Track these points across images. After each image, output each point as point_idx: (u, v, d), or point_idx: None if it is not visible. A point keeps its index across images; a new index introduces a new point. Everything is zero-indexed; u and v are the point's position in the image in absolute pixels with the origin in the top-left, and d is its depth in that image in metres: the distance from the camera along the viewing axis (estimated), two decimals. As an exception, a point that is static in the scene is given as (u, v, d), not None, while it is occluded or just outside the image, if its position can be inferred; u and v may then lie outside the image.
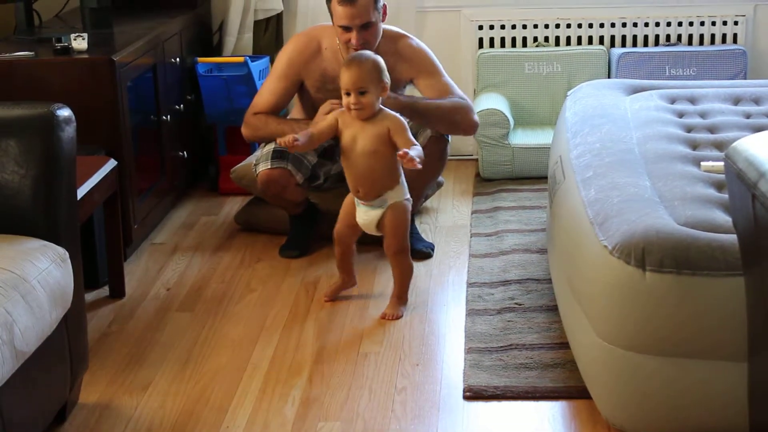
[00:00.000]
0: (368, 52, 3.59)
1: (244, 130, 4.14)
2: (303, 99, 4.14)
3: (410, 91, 4.16)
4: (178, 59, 4.68)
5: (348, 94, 3.49)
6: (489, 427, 2.96)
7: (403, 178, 3.59)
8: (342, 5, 3.83)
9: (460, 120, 4.02)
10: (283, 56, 4.07)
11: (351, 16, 3.83)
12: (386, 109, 3.56)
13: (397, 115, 3.56)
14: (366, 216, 3.58)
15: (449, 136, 4.08)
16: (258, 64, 4.86)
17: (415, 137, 3.97)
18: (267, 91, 4.09)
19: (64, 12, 4.94)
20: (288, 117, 4.29)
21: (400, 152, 3.39)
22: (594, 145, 3.48)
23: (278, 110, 4.11)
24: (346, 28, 3.86)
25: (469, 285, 3.84)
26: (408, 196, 3.60)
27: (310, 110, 4.11)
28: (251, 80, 4.76)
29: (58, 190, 2.86)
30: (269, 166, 3.99)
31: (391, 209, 3.56)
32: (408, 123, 4.03)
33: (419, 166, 3.39)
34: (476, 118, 4.09)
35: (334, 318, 3.61)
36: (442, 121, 4.00)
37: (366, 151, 3.51)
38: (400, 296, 3.64)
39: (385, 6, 3.94)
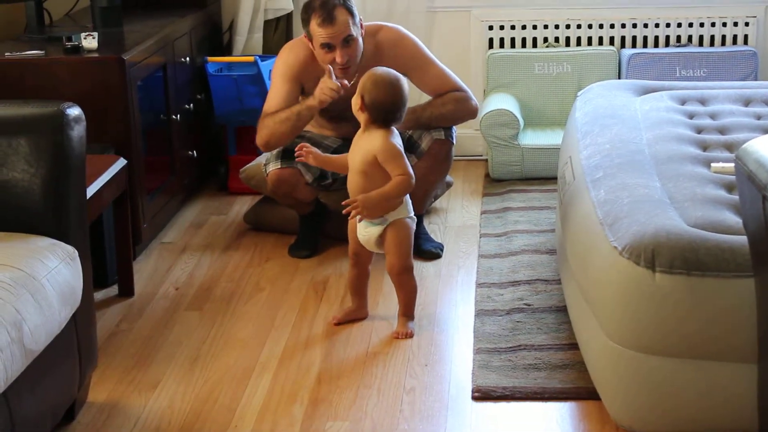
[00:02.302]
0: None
1: (261, 137, 3.98)
2: None
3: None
4: (188, 59, 4.69)
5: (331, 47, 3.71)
6: (497, 428, 2.96)
7: (406, 198, 3.46)
8: (322, 26, 3.82)
9: (462, 115, 4.09)
10: (281, 62, 4.04)
11: (331, 35, 3.83)
12: (384, 129, 3.42)
13: (387, 141, 3.40)
14: (365, 232, 3.46)
15: (454, 139, 4.09)
16: (268, 63, 4.86)
17: (419, 140, 3.99)
18: (275, 96, 4.03)
19: (75, 11, 4.94)
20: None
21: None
22: (604, 145, 3.47)
23: None
24: (329, 47, 3.85)
25: (478, 285, 3.84)
26: (412, 214, 3.48)
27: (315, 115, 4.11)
28: (261, 80, 4.76)
29: (68, 189, 2.86)
30: (279, 166, 4.00)
31: (392, 227, 3.43)
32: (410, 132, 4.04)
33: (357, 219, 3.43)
34: (475, 103, 4.11)
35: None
36: (445, 122, 4.06)
37: (357, 171, 3.42)
38: (408, 314, 3.53)
39: (361, 20, 3.94)
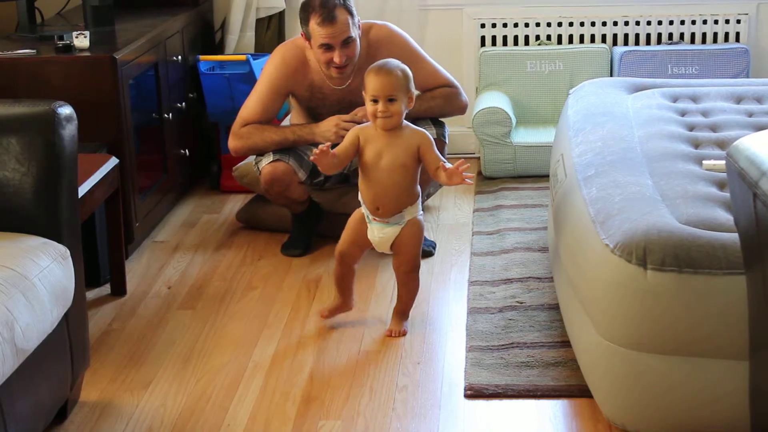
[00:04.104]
0: (395, 61, 3.44)
1: (233, 143, 4.05)
2: (299, 105, 4.15)
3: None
4: (180, 57, 4.68)
5: (375, 101, 3.34)
6: (490, 426, 2.96)
7: (420, 195, 3.48)
8: (322, 25, 3.83)
9: (450, 109, 4.13)
10: (271, 68, 4.05)
11: (332, 35, 3.83)
12: (410, 124, 3.44)
13: (424, 131, 3.45)
14: (381, 234, 3.43)
15: (447, 138, 4.10)
16: (260, 62, 4.85)
17: None
18: (255, 102, 4.05)
19: (66, 10, 4.94)
20: (287, 122, 4.31)
21: (454, 167, 3.27)
22: (596, 143, 3.48)
23: (267, 122, 4.08)
24: (328, 47, 3.86)
25: (471, 283, 3.84)
26: (422, 212, 3.49)
27: (306, 116, 4.12)
28: (253, 78, 4.76)
29: (60, 188, 2.86)
30: (272, 159, 4.00)
31: (409, 226, 3.43)
32: None
33: (469, 182, 3.32)
34: (465, 98, 4.15)
35: (336, 316, 3.60)
36: (433, 115, 4.08)
37: (395, 165, 3.36)
38: (404, 312, 3.53)
39: (359, 20, 3.95)
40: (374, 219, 3.44)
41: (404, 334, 3.47)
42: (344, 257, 3.52)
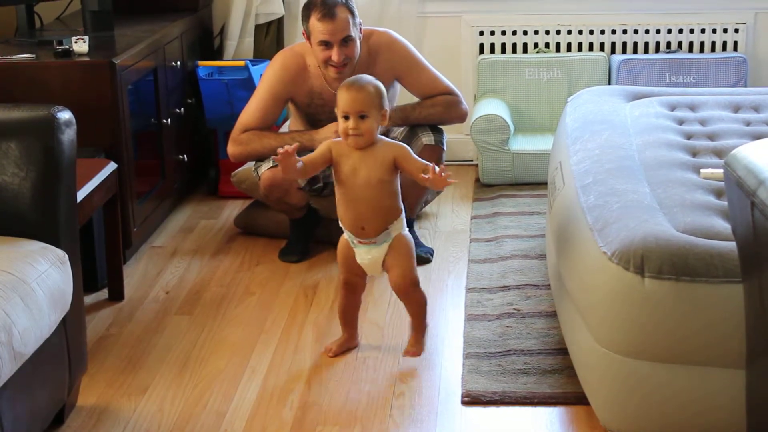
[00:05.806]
0: (368, 76, 3.30)
1: (232, 149, 4.05)
2: (297, 111, 4.16)
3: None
4: (179, 63, 4.69)
5: (346, 118, 3.20)
6: (487, 433, 2.97)
7: (404, 211, 3.33)
8: (322, 21, 3.84)
9: (450, 117, 4.13)
10: (271, 74, 4.06)
11: (331, 31, 3.84)
12: (384, 137, 3.29)
13: (399, 143, 3.32)
14: (369, 255, 3.27)
15: (445, 145, 4.10)
16: (259, 68, 4.86)
17: (409, 145, 3.97)
18: (255, 109, 4.06)
19: (66, 15, 4.94)
20: (285, 128, 4.31)
21: (429, 171, 3.11)
22: (594, 151, 3.48)
23: (267, 128, 4.08)
24: (326, 44, 3.87)
25: (468, 290, 3.84)
26: (407, 229, 3.32)
27: (305, 122, 4.13)
28: (252, 84, 4.76)
29: (58, 193, 2.86)
30: (271, 165, 4.00)
31: (396, 241, 3.26)
32: (402, 131, 4.07)
33: (454, 181, 3.18)
34: (465, 106, 4.15)
35: (333, 322, 3.60)
36: (433, 122, 4.09)
37: (372, 182, 3.20)
38: (421, 329, 3.37)
39: (360, 23, 3.96)
40: (359, 242, 3.29)
41: (419, 353, 3.35)
42: (353, 287, 3.38)
